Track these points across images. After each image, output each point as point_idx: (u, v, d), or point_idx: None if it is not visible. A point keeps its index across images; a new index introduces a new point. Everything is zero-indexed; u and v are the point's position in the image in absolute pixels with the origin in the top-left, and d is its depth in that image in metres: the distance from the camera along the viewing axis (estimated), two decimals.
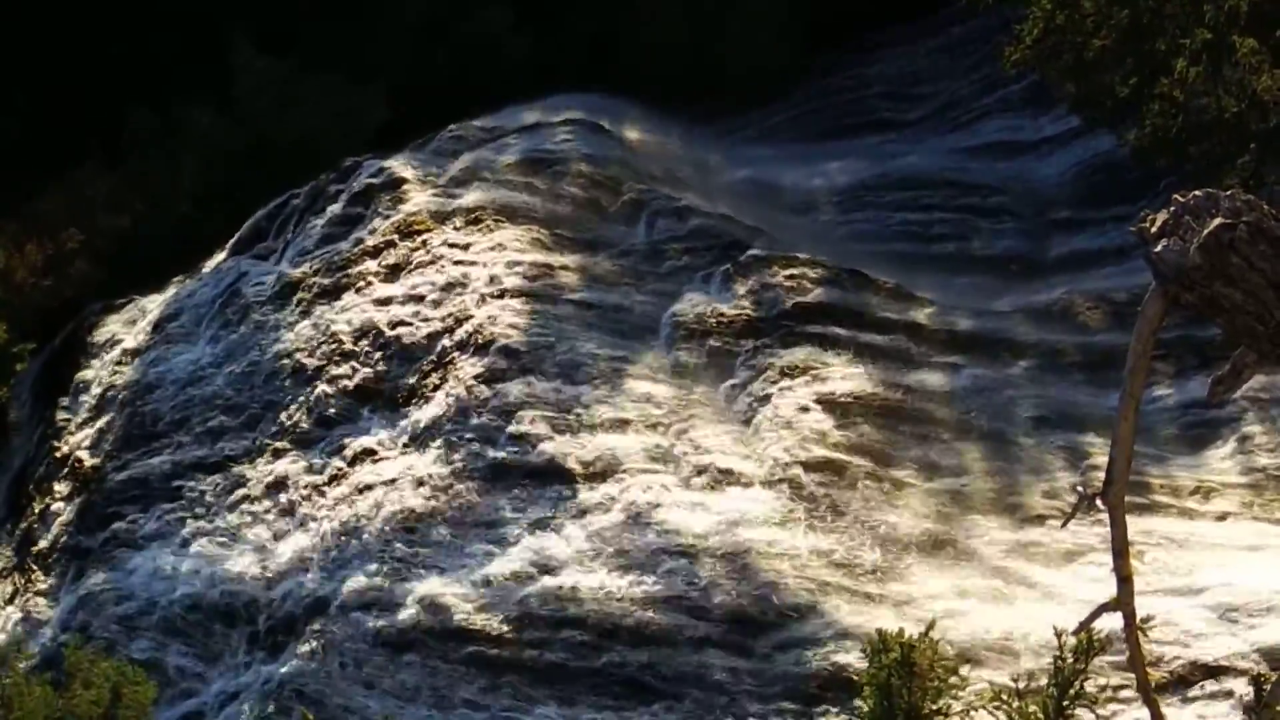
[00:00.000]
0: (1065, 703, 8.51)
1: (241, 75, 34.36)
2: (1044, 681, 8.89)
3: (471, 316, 27.33)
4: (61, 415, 29.75)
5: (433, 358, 27.10)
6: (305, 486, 26.34)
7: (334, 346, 27.86)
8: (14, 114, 34.31)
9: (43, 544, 27.72)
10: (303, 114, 33.69)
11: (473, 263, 28.32)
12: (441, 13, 35.60)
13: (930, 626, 9.16)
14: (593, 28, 35.47)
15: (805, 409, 25.96)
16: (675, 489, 24.67)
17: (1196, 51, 14.19)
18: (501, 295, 27.62)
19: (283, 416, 27.38)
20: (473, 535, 24.72)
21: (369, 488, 25.72)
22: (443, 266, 28.39)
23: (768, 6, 35.81)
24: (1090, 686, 8.90)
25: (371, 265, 28.94)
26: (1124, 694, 17.53)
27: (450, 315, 27.53)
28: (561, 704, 22.71)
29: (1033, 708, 8.68)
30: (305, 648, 24.04)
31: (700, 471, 24.93)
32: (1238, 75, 14.19)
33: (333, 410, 27.11)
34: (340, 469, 26.27)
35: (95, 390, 29.77)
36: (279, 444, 27.10)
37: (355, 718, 21.90)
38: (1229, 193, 6.00)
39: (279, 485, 26.53)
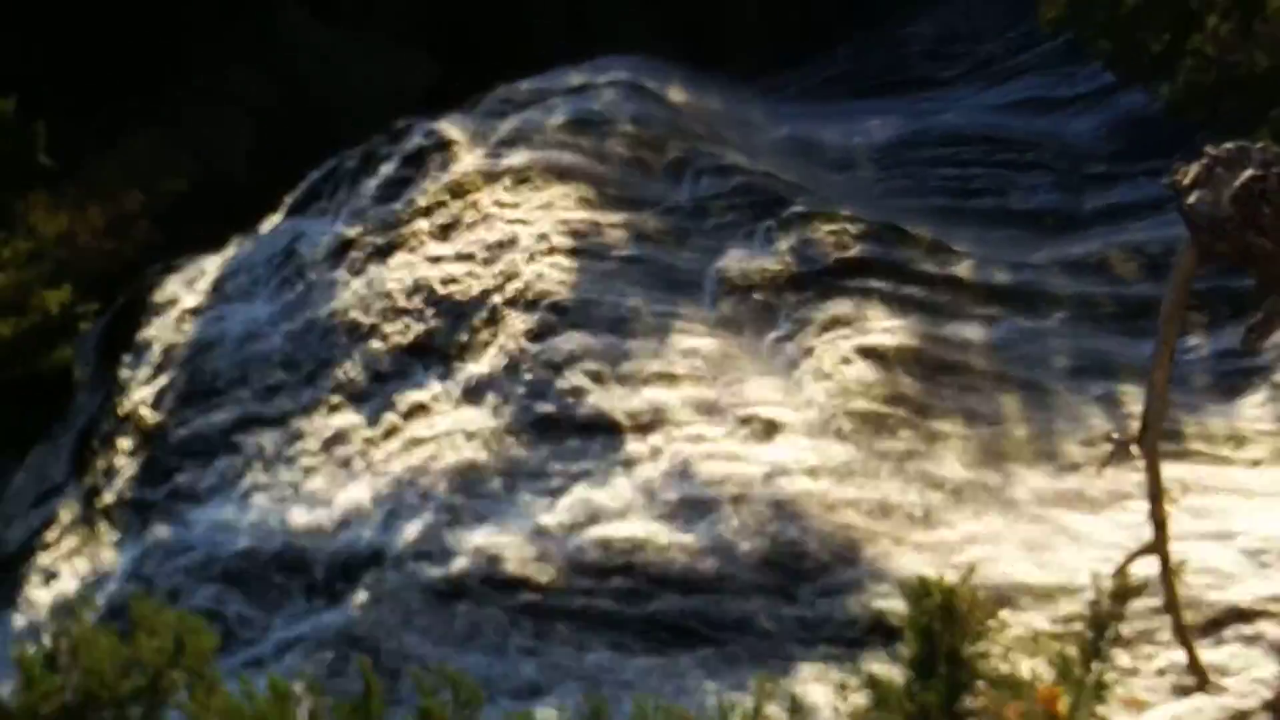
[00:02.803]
0: (1101, 645, 8.53)
1: (290, 38, 34.39)
2: (1081, 625, 8.90)
3: (521, 274, 27.40)
4: (124, 373, 29.96)
5: (483, 314, 27.18)
6: (361, 440, 26.48)
7: (388, 304, 27.97)
8: (69, 79, 34.37)
9: (107, 498, 27.95)
10: (352, 76, 33.76)
11: (522, 221, 28.40)
12: None
13: (970, 572, 9.18)
14: None
15: (847, 361, 25.98)
16: (721, 440, 24.72)
17: (1228, 7, 14.08)
18: (550, 253, 27.68)
19: (338, 372, 27.52)
20: (523, 486, 24.82)
21: (422, 441, 25.84)
22: (492, 225, 28.48)
23: None
24: (1126, 630, 8.91)
25: (423, 225, 29.04)
26: (1159, 636, 17.51)
27: (500, 273, 27.61)
28: (613, 650, 22.81)
29: (1070, 650, 8.69)
30: (362, 597, 24.20)
31: (745, 422, 24.97)
32: (1270, 30, 14.06)
33: (387, 366, 27.24)
34: (394, 423, 26.40)
35: (157, 349, 29.96)
36: (335, 399, 27.25)
37: (411, 664, 22.02)
38: (1260, 145, 5.98)
39: (336, 439, 26.69)
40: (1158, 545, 6.70)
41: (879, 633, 21.38)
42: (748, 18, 35.03)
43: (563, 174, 29.31)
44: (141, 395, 29.27)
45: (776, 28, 35.27)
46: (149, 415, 28.77)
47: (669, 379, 25.77)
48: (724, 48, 34.19)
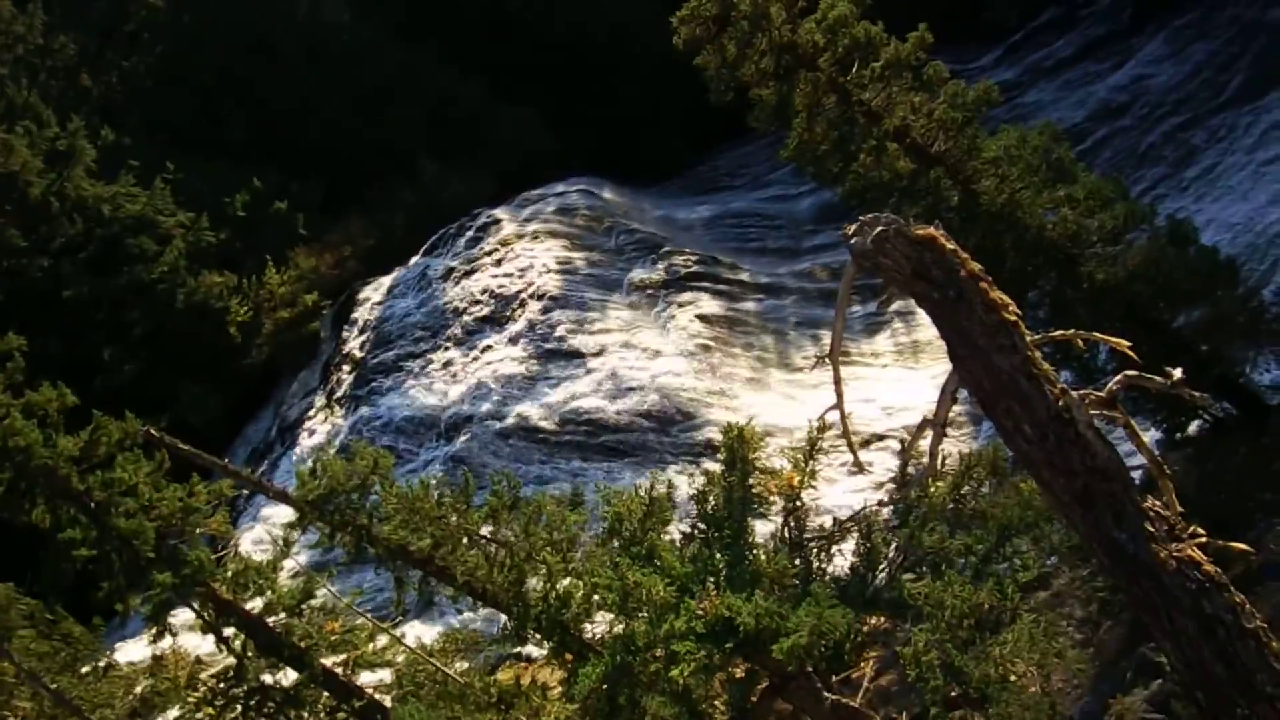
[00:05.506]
0: (812, 451, 8.53)
1: (424, 172, 33.91)
2: (803, 444, 8.91)
3: (535, 283, 27.24)
4: (345, 334, 29.63)
5: (517, 302, 27.02)
6: (460, 363, 26.32)
7: (471, 298, 27.77)
8: (317, 192, 33.77)
9: (338, 394, 27.69)
10: (452, 188, 33.26)
11: (535, 257, 28.22)
12: (516, 135, 34.91)
13: (751, 419, 9.16)
14: (593, 136, 34.68)
15: (692, 321, 26.01)
16: (632, 359, 24.72)
17: (870, 149, 13.95)
18: (550, 272, 27.52)
19: (449, 331, 27.31)
20: (538, 383, 24.75)
21: (490, 363, 25.73)
22: (521, 259, 28.29)
23: (667, 129, 35.16)
24: (825, 445, 8.92)
25: (487, 260, 28.80)
26: (840, 448, 17.70)
27: (525, 282, 27.43)
28: (582, 461, 22.85)
29: (797, 454, 8.68)
30: (463, 439, 24.10)
31: (643, 351, 24.98)
32: (889, 162, 13.96)
33: (472, 328, 27.06)
34: (476, 355, 26.25)
35: (360, 321, 29.63)
36: (447, 344, 27.05)
37: (487, 470, 21.99)
38: (885, 215, 5.98)
39: (448, 363, 26.52)
40: (838, 405, 6.68)
41: (710, 450, 21.56)
42: (642, 156, 34.69)
43: (554, 235, 29.10)
44: (354, 344, 28.97)
45: (656, 162, 34.98)
46: (357, 353, 28.49)
47: (607, 331, 25.73)
48: (631, 172, 33.87)
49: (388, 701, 11.60)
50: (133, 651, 17.74)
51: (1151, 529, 5.73)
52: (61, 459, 11.60)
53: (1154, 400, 13.89)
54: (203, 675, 12.09)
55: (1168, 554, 5.67)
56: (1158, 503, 5.89)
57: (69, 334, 28.04)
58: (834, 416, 6.79)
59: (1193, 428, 14.83)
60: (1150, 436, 14.34)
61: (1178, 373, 6.05)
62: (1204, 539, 5.79)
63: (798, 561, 8.35)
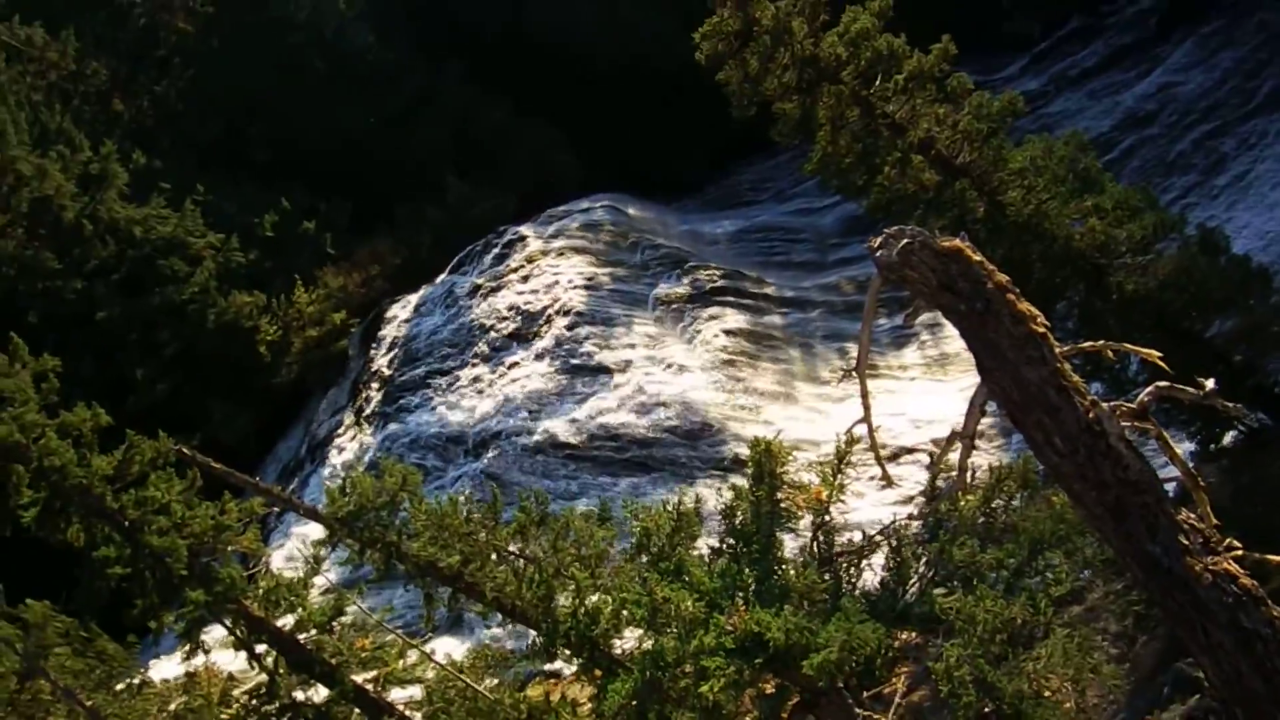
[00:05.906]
0: (840, 465, 8.48)
1: (450, 191, 34.11)
2: (831, 458, 8.86)
3: (561, 299, 27.30)
4: (373, 351, 29.79)
5: (544, 318, 27.08)
6: (487, 380, 26.39)
7: (498, 315, 27.85)
8: (340, 215, 34.05)
9: (367, 411, 27.82)
10: (479, 207, 33.42)
11: (561, 273, 28.29)
12: (539, 152, 35.07)
13: (778, 433, 9.11)
14: (616, 153, 34.71)
15: (717, 335, 25.98)
16: (658, 375, 24.71)
17: (895, 161, 13.89)
18: (575, 288, 27.58)
19: (476, 348, 27.40)
20: (565, 399, 24.78)
21: (517, 379, 25.77)
22: (546, 275, 28.36)
23: (690, 144, 35.20)
24: (854, 460, 8.87)
25: (513, 276, 28.89)
26: (868, 461, 17.58)
27: (551, 298, 27.50)
28: (609, 476, 22.84)
29: (826, 468, 8.64)
30: (491, 454, 24.14)
31: (669, 366, 24.97)
32: (914, 174, 13.86)
33: (499, 344, 27.12)
34: (504, 370, 26.31)
35: (388, 339, 29.79)
36: (475, 360, 27.13)
37: (515, 486, 22.01)
38: (910, 227, 5.96)
39: (475, 379, 26.59)
40: (866, 418, 6.65)
41: (737, 464, 21.48)
42: (665, 171, 34.72)
43: (580, 250, 29.18)
44: (382, 361, 29.13)
45: (680, 178, 35.02)
46: (386, 370, 28.63)
47: (633, 346, 25.75)
48: (654, 187, 33.92)
49: (418, 718, 11.61)
50: (166, 668, 17.87)
51: (1186, 542, 5.65)
52: (96, 478, 11.74)
53: (1187, 412, 13.71)
54: (235, 692, 12.17)
55: (1203, 567, 5.58)
56: (1192, 515, 5.81)
57: (102, 354, 28.40)
58: (862, 430, 6.72)
59: (1227, 439, 14.62)
60: (1184, 448, 14.15)
61: (1210, 383, 5.98)
62: (1240, 552, 5.71)
63: (827, 576, 8.28)
